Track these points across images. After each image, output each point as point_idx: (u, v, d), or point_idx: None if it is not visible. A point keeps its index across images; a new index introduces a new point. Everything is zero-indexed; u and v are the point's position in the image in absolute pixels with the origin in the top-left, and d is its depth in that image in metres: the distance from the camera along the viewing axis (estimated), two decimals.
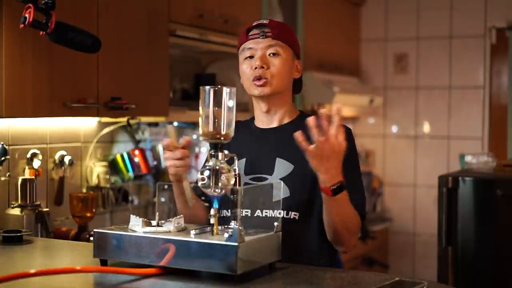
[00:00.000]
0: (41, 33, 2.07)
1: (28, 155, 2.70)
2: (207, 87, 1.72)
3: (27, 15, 2.00)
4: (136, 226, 1.75)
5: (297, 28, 4.20)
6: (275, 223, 1.76)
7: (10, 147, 2.64)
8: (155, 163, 3.31)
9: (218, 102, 1.70)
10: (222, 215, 2.04)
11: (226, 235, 1.64)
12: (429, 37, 4.87)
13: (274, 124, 2.12)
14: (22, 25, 2.02)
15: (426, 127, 4.91)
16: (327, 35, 4.64)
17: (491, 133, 4.67)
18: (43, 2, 2.03)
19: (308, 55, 4.24)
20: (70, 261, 2.08)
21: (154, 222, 1.77)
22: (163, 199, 3.30)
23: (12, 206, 2.59)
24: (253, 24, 2.11)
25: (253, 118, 2.20)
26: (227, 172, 1.71)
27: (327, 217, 1.94)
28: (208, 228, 1.75)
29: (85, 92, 2.65)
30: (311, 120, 1.77)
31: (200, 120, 1.73)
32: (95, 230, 1.78)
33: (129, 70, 2.86)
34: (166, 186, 1.97)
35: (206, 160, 1.90)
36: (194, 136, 3.63)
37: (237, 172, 1.79)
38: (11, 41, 2.35)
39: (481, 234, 3.12)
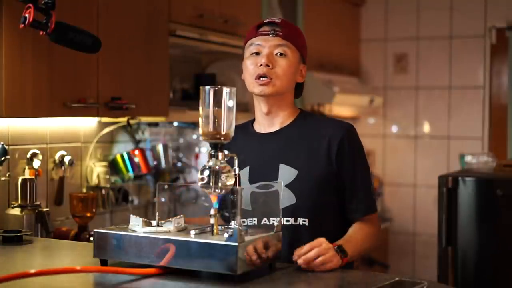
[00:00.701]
0: (41, 33, 2.06)
1: (28, 155, 2.70)
2: (207, 87, 1.71)
3: (27, 15, 2.00)
4: (136, 226, 1.75)
5: None
6: (275, 223, 1.76)
7: (10, 147, 2.64)
8: (155, 163, 3.31)
9: (218, 102, 1.70)
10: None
11: (226, 235, 1.64)
12: (429, 37, 4.87)
13: (275, 127, 2.09)
14: (22, 25, 2.02)
15: (426, 127, 4.91)
16: (327, 35, 4.64)
17: (491, 133, 4.67)
18: (43, 2, 2.03)
19: (308, 55, 4.22)
20: (70, 261, 2.07)
21: (154, 222, 1.77)
22: (163, 199, 3.30)
23: (12, 206, 2.59)
24: (265, 21, 2.06)
25: (249, 122, 2.16)
26: (227, 172, 1.71)
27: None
28: (208, 228, 1.75)
29: (85, 92, 2.65)
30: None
31: (200, 120, 1.73)
32: (95, 230, 1.78)
33: (129, 70, 2.85)
34: (166, 186, 1.97)
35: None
36: (194, 136, 3.63)
37: (237, 172, 1.79)
38: (11, 41, 2.35)
39: (481, 234, 3.12)
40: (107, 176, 3.06)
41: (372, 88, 5.03)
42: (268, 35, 2.03)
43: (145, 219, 1.76)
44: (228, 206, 1.91)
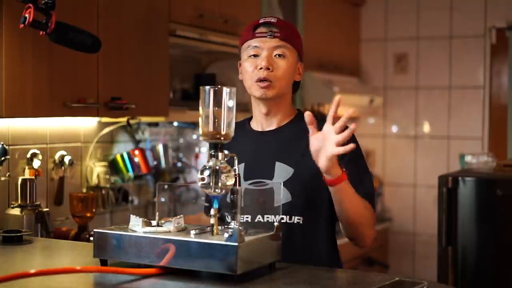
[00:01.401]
0: (41, 33, 2.07)
1: (28, 155, 2.70)
2: (207, 87, 1.71)
3: (27, 15, 2.00)
4: (136, 226, 1.75)
5: (297, 28, 4.20)
6: (275, 223, 1.76)
7: (10, 147, 2.64)
8: (155, 163, 3.31)
9: (218, 102, 1.69)
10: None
11: (226, 235, 1.63)
12: (429, 37, 4.87)
13: (273, 126, 2.09)
14: (22, 25, 2.02)
15: (426, 127, 4.91)
16: (327, 35, 4.64)
17: (491, 133, 4.67)
18: (43, 2, 2.03)
19: (308, 55, 4.21)
20: (70, 261, 2.07)
21: (154, 222, 1.77)
22: (163, 199, 3.30)
23: (12, 206, 2.59)
24: (260, 21, 2.04)
25: (246, 120, 2.16)
26: (227, 172, 1.71)
27: (339, 212, 1.91)
28: (208, 228, 1.75)
29: (85, 92, 2.65)
30: (307, 115, 1.77)
31: (200, 120, 1.72)
32: (95, 230, 1.78)
33: (129, 70, 2.85)
34: (166, 186, 1.97)
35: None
36: (194, 136, 3.63)
37: (237, 172, 1.79)
38: (11, 41, 2.35)
39: (481, 234, 3.12)
40: (107, 176, 3.06)
41: (372, 88, 5.03)
42: (266, 36, 2.02)
43: (145, 219, 1.76)
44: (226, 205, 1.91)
